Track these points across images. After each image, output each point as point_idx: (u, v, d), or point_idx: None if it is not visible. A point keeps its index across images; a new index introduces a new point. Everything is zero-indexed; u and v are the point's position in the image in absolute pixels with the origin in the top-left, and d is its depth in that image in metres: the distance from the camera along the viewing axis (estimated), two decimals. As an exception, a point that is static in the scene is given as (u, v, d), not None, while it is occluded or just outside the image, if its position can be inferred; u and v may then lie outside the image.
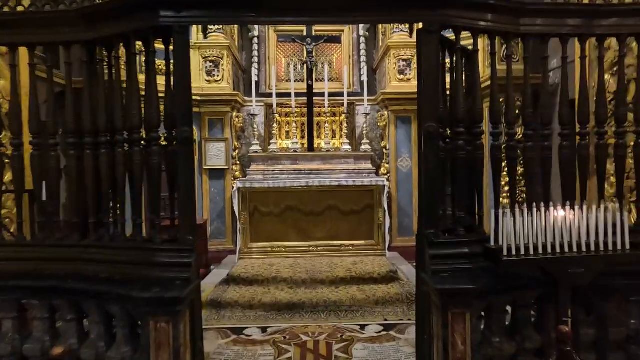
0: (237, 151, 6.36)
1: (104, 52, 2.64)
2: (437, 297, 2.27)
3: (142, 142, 2.56)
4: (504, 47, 4.79)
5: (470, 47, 2.72)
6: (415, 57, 6.29)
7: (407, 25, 6.23)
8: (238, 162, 6.36)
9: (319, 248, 5.27)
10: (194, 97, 5.93)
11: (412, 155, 6.27)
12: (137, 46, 2.66)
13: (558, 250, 2.17)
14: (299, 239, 5.29)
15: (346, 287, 4.23)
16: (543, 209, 2.24)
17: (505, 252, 2.17)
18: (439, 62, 2.57)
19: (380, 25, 7.12)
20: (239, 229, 5.24)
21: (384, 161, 6.42)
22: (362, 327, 3.60)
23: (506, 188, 5.30)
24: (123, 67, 2.65)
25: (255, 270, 4.55)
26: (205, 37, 6.13)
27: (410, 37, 6.24)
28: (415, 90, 5.85)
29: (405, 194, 6.28)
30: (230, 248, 5.98)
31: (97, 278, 2.45)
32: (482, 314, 2.49)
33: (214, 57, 6.07)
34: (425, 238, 2.47)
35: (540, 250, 2.18)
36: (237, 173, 6.21)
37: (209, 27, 6.10)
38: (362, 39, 7.38)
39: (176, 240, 2.50)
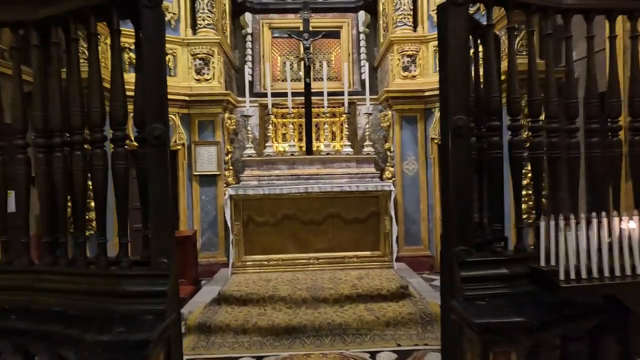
0: (229, 155, 5.89)
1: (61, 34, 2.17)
2: (475, 332, 1.80)
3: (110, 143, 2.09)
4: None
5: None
6: (420, 53, 5.94)
7: (410, 19, 5.82)
8: (231, 168, 5.89)
9: (320, 260, 4.80)
10: (182, 98, 5.53)
11: (418, 157, 5.83)
12: (102, 26, 2.19)
13: (629, 272, 1.72)
14: (297, 251, 4.82)
15: (352, 306, 3.76)
16: (601, 220, 1.79)
17: (562, 276, 1.71)
18: (468, 41, 2.12)
19: (381, 20, 6.71)
20: (231, 241, 4.76)
21: (388, 164, 5.97)
22: (373, 354, 3.13)
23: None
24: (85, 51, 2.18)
25: (249, 288, 4.06)
26: (195, 32, 5.69)
27: (414, 31, 5.83)
28: (421, 88, 5.42)
29: (412, 199, 5.82)
30: (223, 261, 5.49)
31: (48, 313, 1.97)
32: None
33: (203, 54, 5.62)
34: (455, 256, 2.01)
35: (607, 273, 1.72)
36: (229, 179, 5.74)
37: (199, 22, 5.66)
38: (362, 36, 6.98)
39: (148, 264, 2.02)
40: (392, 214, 4.86)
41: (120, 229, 2.08)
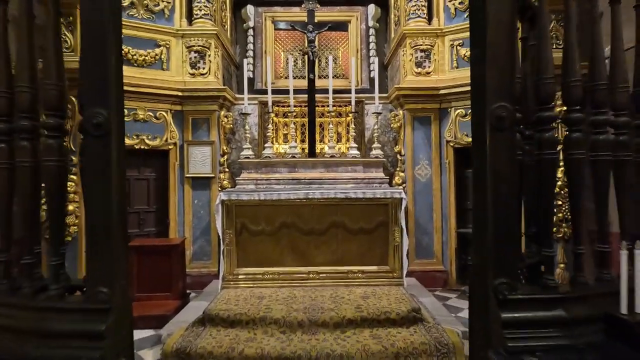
0: (225, 157, 5.43)
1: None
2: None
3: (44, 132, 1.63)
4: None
5: None
6: (435, 48, 5.42)
7: (425, 11, 5.32)
8: (227, 170, 5.42)
9: (320, 275, 4.28)
10: (174, 93, 5.06)
11: (431, 161, 5.30)
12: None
13: None
14: (296, 264, 4.31)
15: (356, 332, 3.24)
16: None
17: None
18: (514, 12, 1.62)
19: (392, 14, 6.22)
20: (222, 251, 4.27)
21: (398, 169, 5.44)
22: (379, 396, 2.60)
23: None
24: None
25: (239, 306, 3.56)
26: (190, 23, 5.26)
27: (429, 23, 5.32)
28: (436, 85, 4.89)
29: (424, 207, 5.29)
30: (216, 271, 5.00)
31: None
32: None
33: (199, 46, 5.18)
34: (494, 292, 1.49)
35: None
36: (225, 182, 5.27)
37: (195, 12, 5.24)
38: (371, 31, 6.49)
39: (83, 293, 1.54)
40: (403, 224, 4.34)
41: (51, 244, 1.60)
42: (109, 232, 1.48)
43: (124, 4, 4.88)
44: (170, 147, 5.15)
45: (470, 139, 4.92)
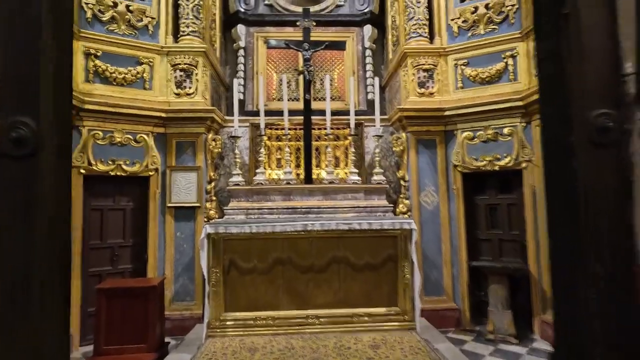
0: (212, 183, 4.91)
1: None
2: None
3: None
4: None
5: None
6: (438, 67, 5.10)
7: (426, 30, 5.07)
8: (214, 198, 4.89)
9: (321, 320, 3.73)
10: (157, 114, 4.57)
11: (438, 187, 4.88)
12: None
13: None
14: (293, 307, 3.76)
15: (369, 396, 2.67)
16: None
17: None
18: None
19: (390, 35, 5.98)
20: (207, 294, 3.69)
21: (402, 195, 5.01)
22: None
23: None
24: None
25: (227, 363, 2.97)
26: (176, 40, 4.87)
27: (431, 42, 5.06)
28: (441, 106, 4.55)
29: (432, 237, 4.82)
30: (200, 314, 4.38)
31: None
32: None
33: (185, 64, 4.77)
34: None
35: None
36: (211, 212, 4.73)
37: (182, 29, 4.87)
38: (367, 52, 6.22)
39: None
40: (414, 258, 3.85)
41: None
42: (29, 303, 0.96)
43: (104, 19, 4.49)
44: (150, 173, 4.63)
45: (480, 163, 4.53)
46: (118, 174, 4.45)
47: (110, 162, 4.40)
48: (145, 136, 4.59)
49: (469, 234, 4.80)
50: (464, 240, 4.77)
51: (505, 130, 4.55)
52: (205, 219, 4.69)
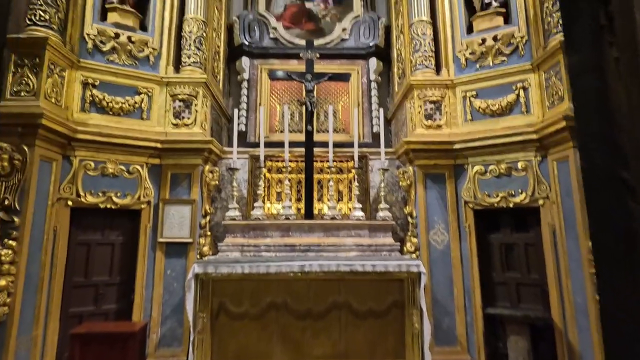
0: (207, 218, 4.64)
1: None
2: None
3: None
4: None
5: None
6: (446, 100, 4.87)
7: (432, 62, 4.93)
8: (208, 233, 4.61)
9: (319, 375, 3.31)
10: (153, 145, 4.37)
11: (448, 225, 4.54)
12: None
13: None
14: (287, 358, 3.34)
15: None
16: None
17: None
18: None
19: (396, 68, 5.89)
20: (192, 342, 3.32)
21: (409, 233, 4.66)
22: None
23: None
24: None
25: None
26: (178, 71, 4.79)
27: (438, 74, 4.90)
28: (450, 140, 4.30)
29: (443, 280, 4.42)
30: (187, 363, 3.97)
31: None
32: None
33: (185, 95, 4.66)
34: None
35: None
36: (204, 248, 4.43)
37: (183, 59, 4.80)
38: (373, 84, 6.11)
39: None
40: (423, 305, 3.46)
41: None
42: None
43: (104, 49, 4.44)
44: (142, 206, 4.39)
45: (493, 200, 4.18)
46: (108, 206, 4.22)
47: (100, 194, 4.18)
48: (139, 167, 4.40)
49: (483, 276, 4.39)
50: (477, 283, 4.36)
51: (520, 165, 4.26)
52: (198, 256, 4.38)
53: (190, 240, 4.38)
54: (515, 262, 4.35)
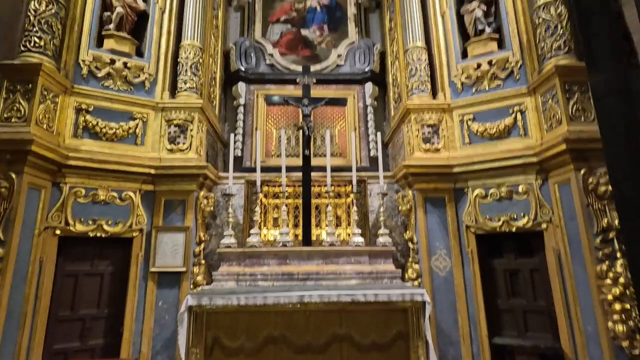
0: (202, 245, 4.48)
1: None
2: None
3: None
4: None
5: None
6: (443, 123, 4.87)
7: (428, 86, 4.95)
8: (202, 262, 4.44)
9: (320, 415, 3.09)
10: (147, 171, 4.24)
11: (450, 251, 4.42)
12: None
13: None
14: (286, 397, 3.13)
15: None
16: None
17: None
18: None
19: (392, 92, 5.92)
20: (184, 381, 3.10)
21: (410, 259, 4.53)
22: None
23: (618, 306, 3.40)
24: None
25: None
26: (173, 96, 4.75)
27: (434, 98, 4.92)
28: (448, 163, 4.26)
29: (446, 308, 4.25)
30: (178, 403, 3.71)
31: None
32: None
33: (181, 120, 4.60)
34: None
35: None
36: (198, 277, 4.25)
37: (179, 85, 4.77)
38: (369, 109, 6.12)
39: None
40: (428, 336, 3.30)
41: None
42: None
43: (99, 75, 4.40)
44: (134, 234, 4.23)
45: (495, 224, 4.08)
46: (98, 235, 4.06)
47: (90, 222, 4.03)
48: (132, 194, 4.27)
49: (487, 303, 4.24)
50: (482, 311, 4.21)
51: (520, 188, 4.20)
52: (192, 286, 4.20)
53: (183, 269, 4.20)
54: (521, 288, 4.22)
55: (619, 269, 3.42)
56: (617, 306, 3.30)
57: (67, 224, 3.92)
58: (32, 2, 4.02)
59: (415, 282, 4.31)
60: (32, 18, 3.97)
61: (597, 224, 3.59)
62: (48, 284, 3.76)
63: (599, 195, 3.61)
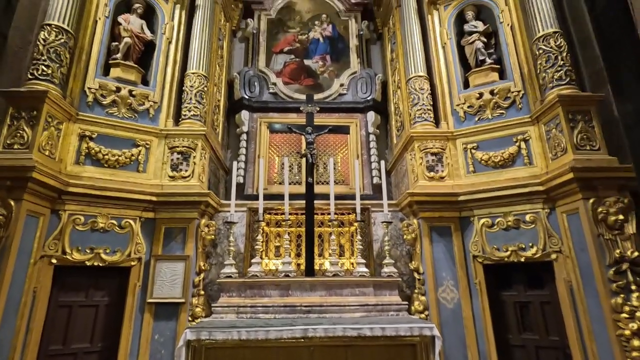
0: (202, 275, 4.36)
1: None
2: None
3: None
4: None
5: None
6: (447, 151, 4.87)
7: (431, 114, 4.98)
8: (202, 292, 4.29)
9: None
10: (148, 198, 4.18)
11: (457, 282, 4.29)
12: None
13: None
14: None
15: None
16: None
17: None
18: None
19: (394, 121, 5.96)
20: None
21: (416, 291, 4.39)
22: None
23: (637, 342, 3.25)
24: None
25: None
26: (177, 123, 4.76)
27: (437, 126, 4.93)
28: (454, 191, 4.21)
29: (455, 343, 4.07)
30: None
31: None
32: None
33: (184, 147, 4.58)
34: None
35: None
36: (197, 309, 4.09)
37: (184, 112, 4.79)
38: (371, 137, 6.14)
39: None
40: (439, 375, 3.12)
41: None
42: None
43: (104, 102, 4.43)
44: (133, 263, 4.11)
45: (503, 254, 3.96)
46: (95, 264, 3.94)
47: (88, 251, 3.92)
48: (131, 221, 4.19)
49: (498, 338, 4.07)
50: (493, 346, 4.03)
51: (528, 217, 4.13)
52: (190, 318, 4.04)
53: (182, 300, 4.06)
54: (532, 322, 4.06)
55: (635, 302, 3.30)
56: (636, 342, 3.15)
57: (64, 252, 3.81)
58: (43, 32, 4.09)
59: (422, 315, 4.15)
60: (41, 47, 4.03)
61: (609, 255, 3.50)
62: (40, 316, 3.61)
63: (610, 225, 3.54)
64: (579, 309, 3.64)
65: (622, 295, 3.36)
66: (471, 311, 4.17)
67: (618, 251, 3.46)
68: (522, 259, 4.08)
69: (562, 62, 4.19)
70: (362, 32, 6.82)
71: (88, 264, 3.91)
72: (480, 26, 5.02)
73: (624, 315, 3.29)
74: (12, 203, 3.42)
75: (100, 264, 3.96)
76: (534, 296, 4.09)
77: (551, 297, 3.95)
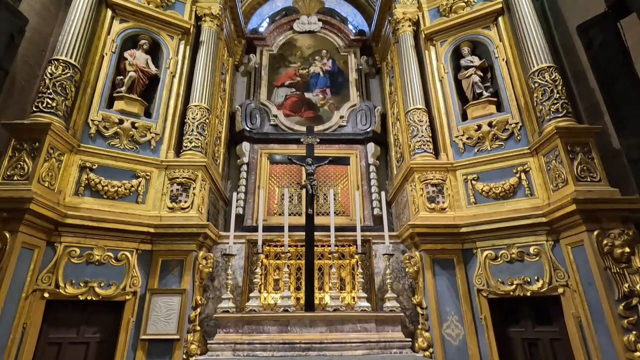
0: (198, 310, 4.22)
1: None
2: None
3: None
4: None
5: None
6: (447, 182, 4.86)
7: (430, 146, 5.01)
8: (198, 328, 4.14)
9: None
10: (145, 230, 4.12)
11: (462, 317, 4.15)
12: None
13: None
14: None
15: None
16: None
17: None
18: None
19: (393, 152, 6.00)
20: None
21: (420, 326, 4.23)
22: None
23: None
24: None
25: None
26: (178, 154, 4.78)
27: (437, 158, 4.95)
28: (455, 223, 4.11)
29: (462, 384, 3.88)
30: None
31: None
32: None
33: (184, 178, 4.57)
34: None
35: None
36: (192, 347, 3.93)
37: (185, 144, 4.82)
38: (372, 168, 6.16)
39: None
40: (446, 419, 2.94)
41: None
42: None
43: (107, 134, 4.47)
44: (127, 297, 3.99)
45: (508, 288, 3.86)
46: (89, 298, 3.83)
47: (81, 285, 3.82)
48: (128, 254, 4.11)
49: (507, 378, 3.88)
50: (502, 387, 3.83)
51: (532, 250, 4.05)
52: (184, 356, 3.87)
53: (177, 336, 3.90)
54: (542, 360, 3.88)
55: (648, 339, 3.17)
56: (653, 383, 2.99)
57: (57, 286, 3.71)
58: (50, 67, 4.20)
59: (427, 353, 3.98)
60: (47, 81, 4.12)
61: (617, 289, 3.40)
62: (29, 354, 3.46)
63: (616, 258, 3.46)
64: (590, 346, 3.50)
65: (634, 333, 3.24)
66: (477, 349, 4.00)
67: (627, 285, 3.37)
68: (529, 293, 3.96)
69: (557, 95, 4.27)
70: (361, 67, 7.00)
71: (81, 298, 3.79)
72: (476, 61, 5.15)
73: (638, 354, 3.15)
74: (7, 235, 3.37)
75: (94, 298, 3.84)
76: (542, 332, 3.94)
77: (560, 333, 3.80)
